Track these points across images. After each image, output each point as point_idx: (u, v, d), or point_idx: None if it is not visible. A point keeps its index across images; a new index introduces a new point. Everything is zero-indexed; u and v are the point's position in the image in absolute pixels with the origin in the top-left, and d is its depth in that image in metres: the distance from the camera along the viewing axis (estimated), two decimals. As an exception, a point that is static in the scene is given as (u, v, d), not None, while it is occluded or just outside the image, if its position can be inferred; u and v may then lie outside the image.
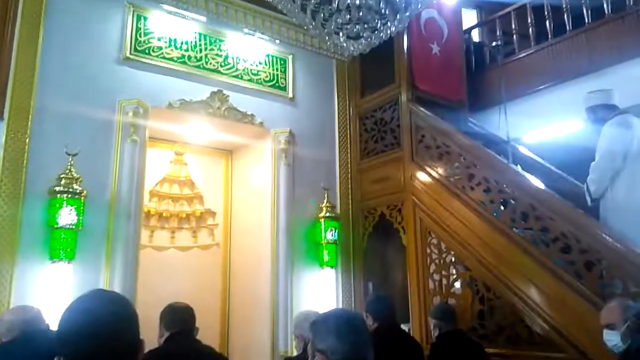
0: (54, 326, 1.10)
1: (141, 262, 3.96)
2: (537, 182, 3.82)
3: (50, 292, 3.41)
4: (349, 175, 5.25)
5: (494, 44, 5.59)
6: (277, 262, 4.62)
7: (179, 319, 2.43)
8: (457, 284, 4.33)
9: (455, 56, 5.47)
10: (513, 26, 5.67)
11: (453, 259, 4.28)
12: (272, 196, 4.77)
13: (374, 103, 5.24)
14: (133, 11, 4.24)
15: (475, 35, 6.46)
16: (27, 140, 3.59)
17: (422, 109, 4.74)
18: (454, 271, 4.30)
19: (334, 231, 4.84)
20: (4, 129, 3.53)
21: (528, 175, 3.93)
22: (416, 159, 4.66)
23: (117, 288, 3.67)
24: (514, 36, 5.67)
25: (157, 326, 2.48)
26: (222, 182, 5.47)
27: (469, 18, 6.87)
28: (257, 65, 4.87)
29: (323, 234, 4.81)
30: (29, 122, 3.61)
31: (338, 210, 5.07)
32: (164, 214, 5.30)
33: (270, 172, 4.84)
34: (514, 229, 3.79)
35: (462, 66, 5.55)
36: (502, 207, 3.97)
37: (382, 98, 5.15)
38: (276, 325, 4.49)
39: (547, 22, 5.30)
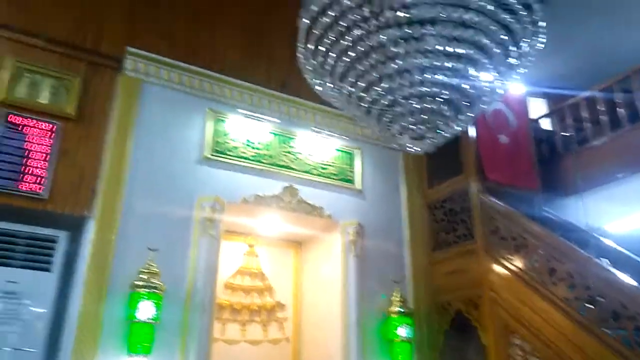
0: None
1: (213, 356, 3.95)
2: (626, 278, 3.53)
3: (126, 387, 3.49)
4: (421, 268, 5.12)
5: (565, 133, 5.49)
6: (348, 359, 4.47)
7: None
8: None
9: (525, 145, 5.39)
10: (583, 114, 5.57)
11: (539, 360, 3.95)
12: (341, 289, 4.71)
13: (443, 193, 5.19)
14: (213, 116, 4.59)
15: (546, 124, 6.38)
16: (114, 237, 3.83)
17: (493, 199, 4.64)
18: (541, 374, 3.94)
19: (407, 328, 4.64)
20: (94, 227, 3.81)
21: (615, 270, 3.65)
22: (491, 251, 4.49)
23: (190, 383, 3.69)
24: (585, 124, 5.54)
25: None
26: (291, 273, 5.47)
27: (537, 107, 6.83)
28: (325, 160, 5.02)
29: (396, 331, 4.62)
30: (116, 221, 3.88)
31: (411, 305, 4.89)
32: (236, 306, 5.33)
33: (339, 264, 4.81)
34: (604, 329, 3.47)
35: (532, 155, 5.44)
36: (589, 305, 3.67)
37: (451, 188, 5.10)
38: None
39: (619, 109, 5.16)
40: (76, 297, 3.67)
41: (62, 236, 3.95)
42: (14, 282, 3.73)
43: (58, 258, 3.89)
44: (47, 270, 3.84)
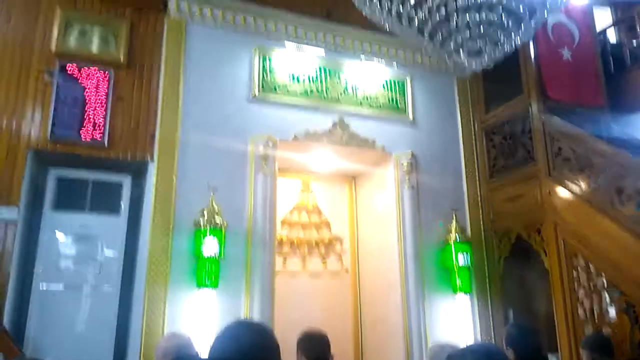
0: (203, 353, 1.15)
1: (275, 287, 4.12)
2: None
3: (198, 317, 3.70)
4: (479, 195, 5.07)
5: (633, 44, 5.07)
6: (407, 288, 4.53)
7: (317, 346, 2.47)
8: (612, 311, 3.88)
9: (590, 59, 5.04)
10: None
11: (605, 283, 3.87)
12: (397, 220, 4.73)
13: (501, 117, 5.02)
14: (259, 53, 4.53)
15: (612, 35, 5.91)
16: (174, 178, 3.97)
17: (556, 118, 4.43)
18: (607, 296, 3.87)
19: (466, 255, 4.63)
20: (155, 170, 3.95)
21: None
22: (554, 173, 4.34)
23: (256, 313, 3.88)
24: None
25: (293, 350, 2.55)
26: (347, 208, 5.56)
27: (603, 17, 6.30)
28: (375, 91, 4.94)
29: (454, 259, 4.62)
30: (175, 162, 4.01)
31: (469, 233, 4.87)
32: (295, 242, 5.50)
33: (394, 196, 4.82)
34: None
35: (598, 69, 5.08)
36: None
37: (509, 111, 4.92)
38: (411, 356, 4.36)
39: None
40: (145, 237, 3.86)
41: (126, 181, 4.15)
42: (86, 227, 3.98)
43: (125, 201, 4.11)
44: (116, 213, 4.07)
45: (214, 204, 3.96)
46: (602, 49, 5.36)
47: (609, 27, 5.88)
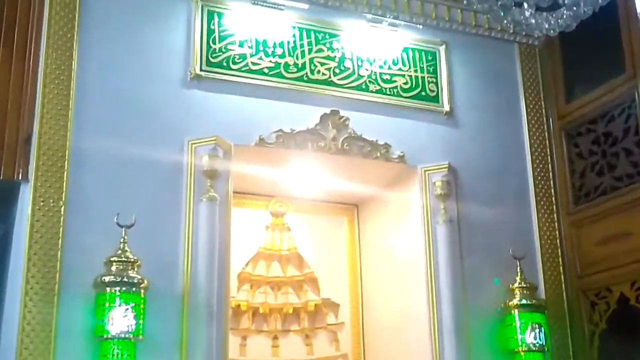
0: None
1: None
2: None
3: None
4: (557, 233, 5.13)
5: None
6: (446, 384, 4.52)
7: None
8: None
9: None
10: None
11: None
12: (427, 275, 4.75)
13: (590, 109, 5.10)
14: (202, 6, 4.55)
15: None
16: (63, 208, 3.91)
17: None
18: None
19: (538, 330, 4.61)
20: (30, 196, 3.87)
21: None
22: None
23: None
24: None
25: None
26: (345, 255, 5.56)
27: None
28: (389, 67, 4.99)
29: (519, 336, 4.60)
30: (64, 184, 3.95)
31: (542, 294, 4.90)
32: (261, 310, 5.43)
33: (421, 235, 4.85)
34: None
35: None
36: None
37: (604, 100, 4.99)
38: None
39: None
40: (12, 306, 3.78)
41: (-17, 213, 4.08)
42: None
43: (-19, 246, 4.02)
44: (-35, 265, 3.99)
45: (127, 250, 3.88)
46: None
47: None
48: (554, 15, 2.63)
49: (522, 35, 5.16)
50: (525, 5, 2.55)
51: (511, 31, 5.17)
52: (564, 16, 2.69)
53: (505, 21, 2.88)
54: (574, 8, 2.53)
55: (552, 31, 2.71)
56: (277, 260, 5.52)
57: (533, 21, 2.63)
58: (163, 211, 4.19)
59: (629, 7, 4.79)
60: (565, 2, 2.51)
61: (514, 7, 2.59)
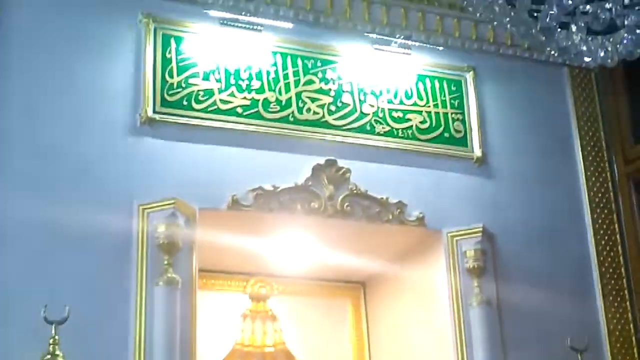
0: None
1: None
2: None
3: None
4: (629, 315, 5.09)
5: None
6: None
7: None
8: None
9: None
10: None
11: None
12: (459, 372, 4.78)
13: (664, 150, 5.08)
14: (155, 30, 4.51)
15: None
16: (-24, 300, 3.77)
17: None
18: None
19: None
20: None
21: None
22: None
23: None
24: None
25: None
26: (349, 348, 5.51)
27: None
28: (401, 101, 4.99)
29: None
30: (-21, 267, 3.82)
31: (615, 399, 4.82)
32: None
33: (449, 320, 4.80)
34: None
35: None
36: None
37: (681, 138, 4.97)
38: None
39: None
40: None
41: None
42: None
43: None
44: None
45: (58, 353, 3.67)
46: None
47: None
48: (611, 40, 2.57)
49: (573, 60, 5.10)
50: (574, 28, 2.47)
51: (557, 56, 5.13)
52: (625, 41, 2.61)
53: (548, 48, 2.82)
54: (637, 31, 2.47)
55: (609, 60, 2.65)
56: (260, 359, 5.36)
57: (584, 48, 2.58)
58: (107, 300, 4.04)
59: None
60: (626, 23, 2.44)
61: (559, 30, 2.52)
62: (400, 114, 4.92)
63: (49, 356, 3.62)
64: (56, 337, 3.67)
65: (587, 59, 2.73)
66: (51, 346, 3.63)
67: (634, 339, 4.99)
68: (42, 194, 4.05)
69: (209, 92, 4.53)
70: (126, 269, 4.10)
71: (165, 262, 4.11)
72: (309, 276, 5.40)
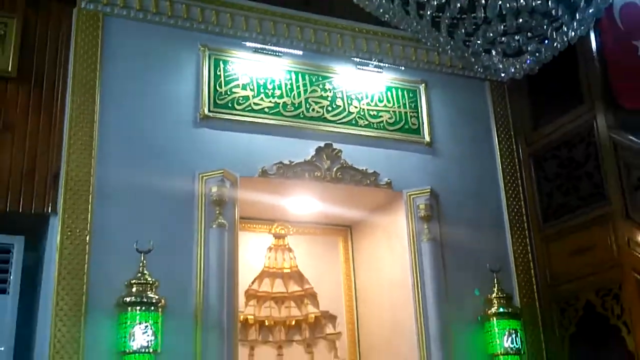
0: None
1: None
2: None
3: None
4: (529, 248, 5.12)
5: None
6: (434, 387, 4.49)
7: None
8: None
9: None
10: None
11: None
12: (414, 288, 4.73)
13: (555, 137, 5.10)
14: (209, 55, 4.59)
15: None
16: (88, 237, 3.91)
17: (633, 138, 4.49)
18: None
19: (514, 335, 4.58)
20: (59, 226, 3.88)
21: None
22: (634, 215, 4.38)
23: None
24: None
25: None
26: (341, 271, 5.54)
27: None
28: (376, 104, 5.02)
29: (498, 341, 4.57)
30: (89, 214, 3.96)
31: (517, 302, 4.87)
32: (267, 323, 5.40)
33: (408, 253, 4.82)
34: None
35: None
36: None
37: (567, 129, 4.99)
38: None
39: None
40: (44, 324, 3.77)
41: (17, 243, 4.05)
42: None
43: (14, 273, 4.00)
44: (0, 291, 3.96)
45: (145, 273, 3.88)
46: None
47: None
48: (518, 60, 2.65)
49: (492, 75, 5.17)
50: (494, 52, 2.56)
51: (483, 73, 5.19)
52: (527, 61, 2.72)
53: (476, 66, 2.89)
54: (537, 54, 2.56)
55: (517, 75, 2.74)
56: (280, 277, 5.50)
57: (501, 66, 2.65)
58: (177, 237, 4.17)
59: (586, 48, 4.80)
60: (529, 49, 2.53)
61: (483, 54, 2.60)
62: (375, 113, 4.98)
63: (139, 274, 3.84)
64: (144, 262, 3.88)
65: (502, 74, 2.75)
66: (140, 268, 3.87)
67: (530, 263, 5.05)
68: (134, 166, 4.18)
69: (246, 98, 4.61)
70: (190, 216, 4.22)
71: (217, 212, 4.23)
72: (313, 221, 5.46)
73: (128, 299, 3.78)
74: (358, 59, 5.03)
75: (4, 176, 3.95)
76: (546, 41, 2.47)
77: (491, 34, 2.47)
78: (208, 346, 3.95)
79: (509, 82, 5.20)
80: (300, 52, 4.90)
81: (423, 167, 5.02)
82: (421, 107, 5.14)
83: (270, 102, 4.69)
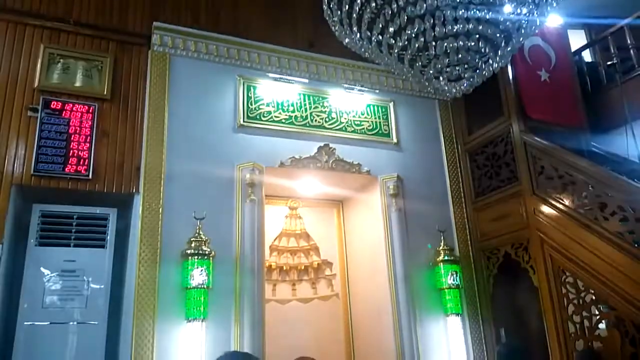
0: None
1: (266, 315, 4.05)
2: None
3: (187, 349, 3.61)
4: (465, 215, 5.07)
5: (609, 62, 5.18)
6: (398, 311, 4.46)
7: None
8: (602, 326, 3.88)
9: (567, 80, 5.12)
10: (629, 41, 5.21)
11: (594, 298, 3.87)
12: (386, 244, 4.68)
13: (483, 138, 5.04)
14: (243, 82, 4.57)
15: (587, 56, 6.04)
16: (160, 209, 3.93)
17: (537, 138, 4.46)
18: (597, 311, 3.87)
19: (455, 275, 4.61)
20: (141, 202, 3.90)
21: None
22: (538, 192, 4.36)
23: (246, 343, 3.80)
24: (630, 51, 5.20)
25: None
26: (335, 232, 5.52)
27: (577, 39, 6.45)
28: (359, 116, 4.95)
29: (443, 279, 4.59)
30: (161, 194, 3.97)
31: (457, 253, 4.85)
32: (284, 267, 5.44)
33: (381, 219, 4.77)
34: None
35: (576, 89, 5.17)
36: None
37: (492, 132, 4.94)
38: (405, 379, 4.29)
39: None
40: (131, 270, 3.79)
41: (112, 213, 4.08)
42: (71, 261, 3.90)
43: (110, 234, 4.03)
44: (101, 247, 3.99)
45: (201, 233, 3.91)
46: (578, 69, 5.44)
47: (584, 48, 6.01)
48: (458, 84, 2.64)
49: (440, 95, 5.16)
50: (441, 78, 2.56)
51: (434, 94, 5.18)
52: (465, 84, 2.71)
53: (429, 88, 2.89)
54: (471, 80, 2.55)
55: (457, 94, 2.73)
56: (293, 236, 5.55)
57: (446, 88, 2.65)
58: (222, 209, 4.16)
59: (505, 76, 4.81)
60: (466, 75, 2.53)
61: (434, 79, 2.60)
62: (359, 122, 4.93)
63: (196, 234, 3.87)
64: (200, 226, 3.91)
65: (447, 95, 2.73)
66: (197, 230, 3.89)
67: (466, 226, 5.02)
68: (192, 160, 4.16)
69: (269, 112, 4.57)
70: (231, 194, 4.21)
71: (249, 192, 4.23)
72: (316, 198, 5.41)
73: (189, 251, 3.82)
74: (346, 85, 4.98)
75: (102, 167, 3.96)
76: (477, 70, 2.47)
77: (439, 66, 2.45)
78: (244, 283, 3.98)
79: (452, 100, 5.23)
80: (307, 80, 4.83)
81: (392, 160, 4.97)
82: (391, 119, 5.09)
83: (286, 115, 4.66)
